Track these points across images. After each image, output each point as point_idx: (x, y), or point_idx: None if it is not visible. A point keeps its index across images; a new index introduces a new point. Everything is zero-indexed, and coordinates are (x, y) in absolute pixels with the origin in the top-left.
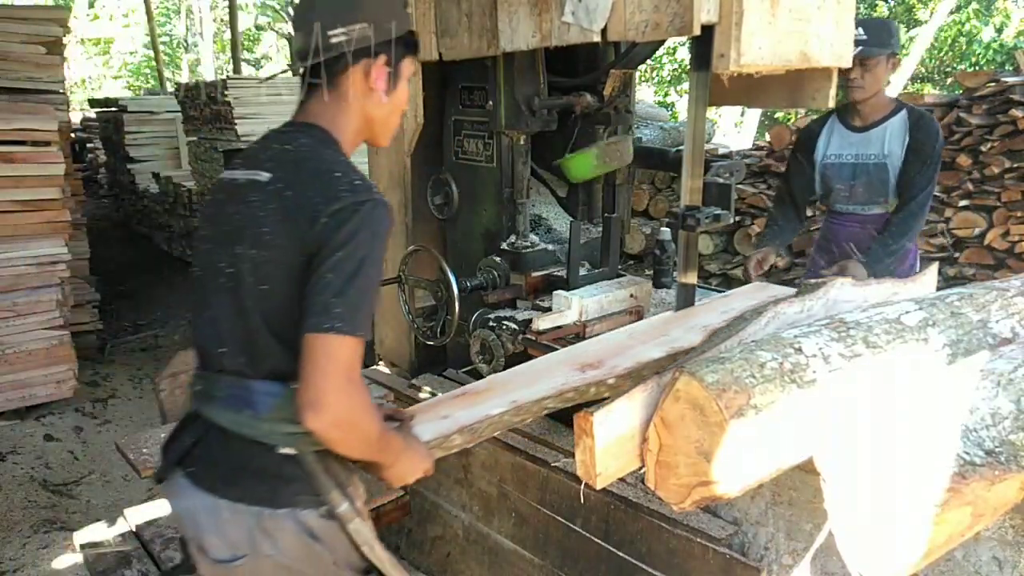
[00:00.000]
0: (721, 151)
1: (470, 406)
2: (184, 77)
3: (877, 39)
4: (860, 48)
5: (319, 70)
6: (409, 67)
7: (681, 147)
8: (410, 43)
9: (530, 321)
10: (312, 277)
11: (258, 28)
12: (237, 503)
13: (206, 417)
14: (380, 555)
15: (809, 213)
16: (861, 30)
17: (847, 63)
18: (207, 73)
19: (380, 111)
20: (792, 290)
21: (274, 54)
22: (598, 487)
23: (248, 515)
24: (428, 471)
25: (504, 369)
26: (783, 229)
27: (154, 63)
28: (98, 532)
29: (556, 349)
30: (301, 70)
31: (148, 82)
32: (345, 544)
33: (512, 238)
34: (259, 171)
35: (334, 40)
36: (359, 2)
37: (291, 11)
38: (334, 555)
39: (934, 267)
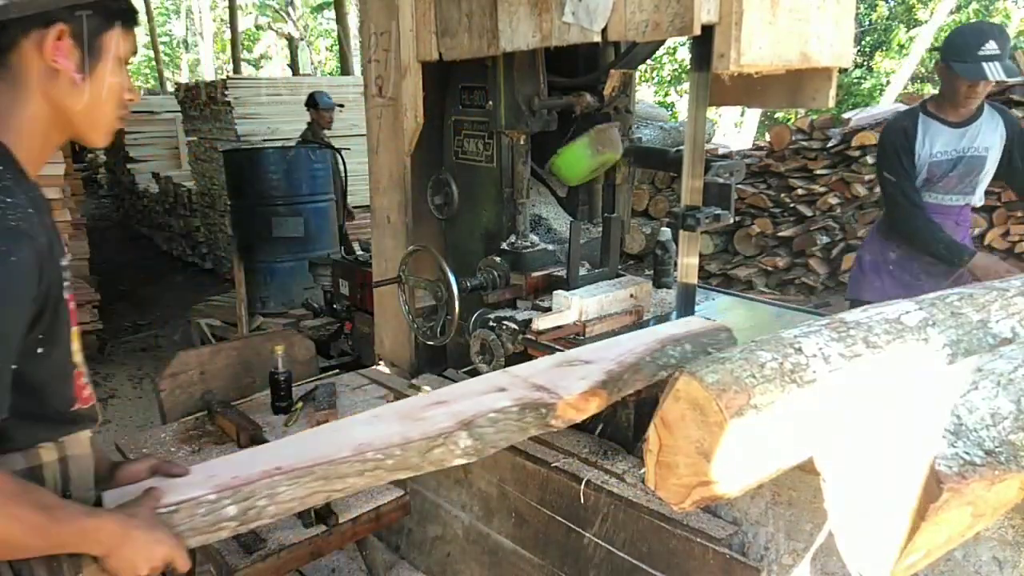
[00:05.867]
0: (721, 151)
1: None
2: (184, 77)
3: (1016, 67)
4: (1010, 72)
5: None
6: (121, 42)
7: (681, 147)
8: (115, 10)
9: (530, 321)
10: None
11: (258, 28)
12: None
13: None
14: None
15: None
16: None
17: (847, 63)
18: (207, 73)
19: (77, 99)
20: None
21: (274, 54)
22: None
23: None
24: (176, 559)
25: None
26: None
27: (154, 63)
28: None
29: (557, 349)
30: None
31: (148, 82)
32: None
33: (512, 238)
34: None
35: None
36: None
37: (289, 11)
38: None
39: None
